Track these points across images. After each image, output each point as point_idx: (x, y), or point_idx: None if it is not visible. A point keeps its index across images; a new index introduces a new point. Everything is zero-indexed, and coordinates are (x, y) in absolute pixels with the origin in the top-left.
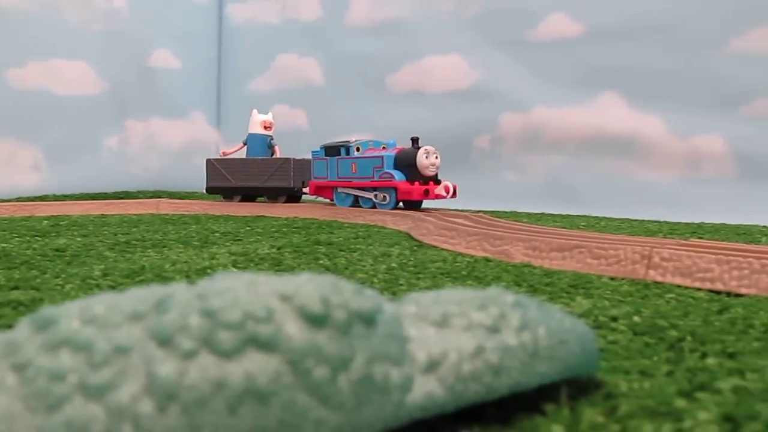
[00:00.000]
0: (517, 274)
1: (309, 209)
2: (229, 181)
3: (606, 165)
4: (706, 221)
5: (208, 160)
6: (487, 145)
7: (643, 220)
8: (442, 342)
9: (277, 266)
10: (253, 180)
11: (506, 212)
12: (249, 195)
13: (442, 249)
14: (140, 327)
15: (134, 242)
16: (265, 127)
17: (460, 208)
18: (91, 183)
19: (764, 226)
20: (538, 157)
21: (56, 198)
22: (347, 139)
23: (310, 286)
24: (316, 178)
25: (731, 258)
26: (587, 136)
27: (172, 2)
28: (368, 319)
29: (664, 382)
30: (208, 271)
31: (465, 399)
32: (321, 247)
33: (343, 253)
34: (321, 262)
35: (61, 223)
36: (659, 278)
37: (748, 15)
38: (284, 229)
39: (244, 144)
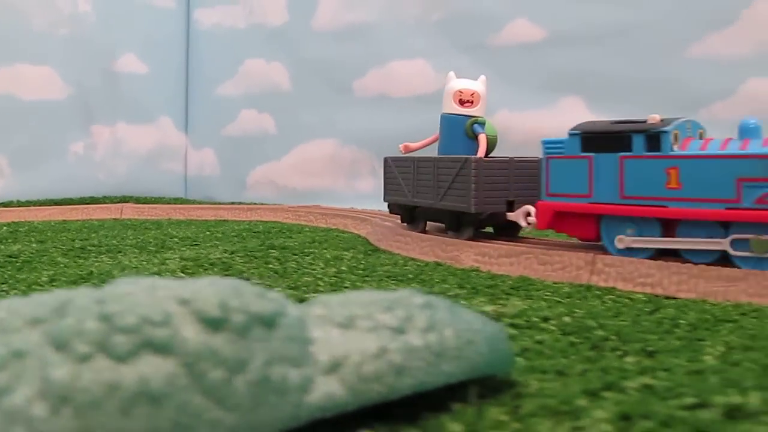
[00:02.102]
0: (463, 277)
1: (272, 212)
2: (405, 195)
3: None
4: None
5: (386, 160)
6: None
7: None
8: (345, 343)
9: (226, 271)
10: (428, 194)
11: None
12: (433, 220)
13: (396, 254)
14: (39, 331)
15: (90, 248)
16: (462, 102)
17: None
18: (57, 189)
19: None
20: None
21: (20, 204)
22: (641, 118)
23: (210, 291)
24: (555, 195)
25: (671, 263)
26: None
27: (138, 7)
28: (268, 322)
29: (575, 381)
30: (155, 277)
31: (367, 399)
32: (275, 251)
33: (295, 257)
34: (271, 266)
35: (21, 229)
36: (602, 283)
37: (706, 20)
38: (244, 234)
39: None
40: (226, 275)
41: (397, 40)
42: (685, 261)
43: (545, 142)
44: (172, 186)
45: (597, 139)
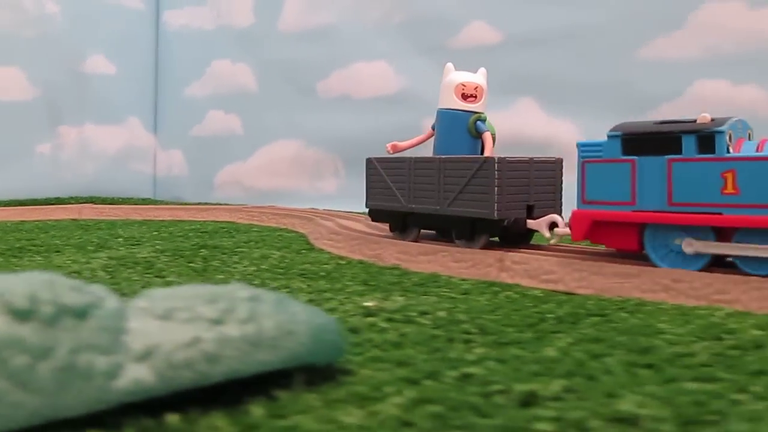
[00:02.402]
0: (375, 274)
1: (228, 212)
2: (397, 200)
3: None
4: None
5: (369, 161)
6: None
7: None
8: (160, 333)
9: (148, 270)
10: (432, 199)
11: None
12: (431, 227)
13: (327, 252)
14: None
15: (30, 248)
16: (465, 97)
17: None
18: (23, 189)
19: None
20: None
21: None
22: (689, 118)
23: (22, 284)
24: (593, 203)
25: (572, 261)
26: (505, 140)
27: (106, 8)
28: (79, 313)
29: (405, 371)
30: (73, 275)
31: (177, 385)
32: (206, 250)
33: (224, 256)
34: (193, 264)
35: None
36: (509, 280)
37: (656, 24)
38: (190, 234)
39: (434, 131)
40: (146, 274)
41: (359, 42)
42: (745, 273)
43: (581, 145)
44: (141, 186)
45: (641, 141)
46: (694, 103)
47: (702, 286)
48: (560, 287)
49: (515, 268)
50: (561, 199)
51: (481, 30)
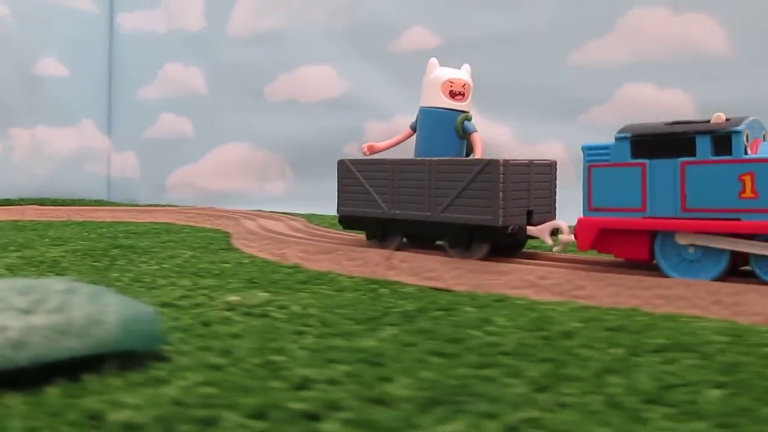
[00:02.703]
0: (267, 272)
1: (167, 214)
2: (376, 206)
3: None
4: None
5: (342, 163)
6: (356, 151)
7: None
8: None
9: (52, 268)
10: (421, 204)
11: None
12: (419, 236)
13: (240, 251)
14: None
15: None
16: (453, 95)
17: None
18: None
19: None
20: None
21: None
22: (703, 118)
23: None
24: (600, 210)
25: (449, 259)
26: None
27: (59, 11)
28: None
29: (217, 359)
30: None
31: None
32: (117, 250)
33: (134, 256)
34: (96, 264)
35: None
36: (394, 277)
37: (585, 29)
38: (119, 235)
39: (413, 131)
40: (49, 272)
41: (305, 47)
42: (761, 282)
43: (587, 148)
44: (95, 188)
45: (652, 143)
46: (623, 106)
47: (563, 283)
48: (439, 284)
49: (401, 266)
50: (555, 204)
51: (420, 35)
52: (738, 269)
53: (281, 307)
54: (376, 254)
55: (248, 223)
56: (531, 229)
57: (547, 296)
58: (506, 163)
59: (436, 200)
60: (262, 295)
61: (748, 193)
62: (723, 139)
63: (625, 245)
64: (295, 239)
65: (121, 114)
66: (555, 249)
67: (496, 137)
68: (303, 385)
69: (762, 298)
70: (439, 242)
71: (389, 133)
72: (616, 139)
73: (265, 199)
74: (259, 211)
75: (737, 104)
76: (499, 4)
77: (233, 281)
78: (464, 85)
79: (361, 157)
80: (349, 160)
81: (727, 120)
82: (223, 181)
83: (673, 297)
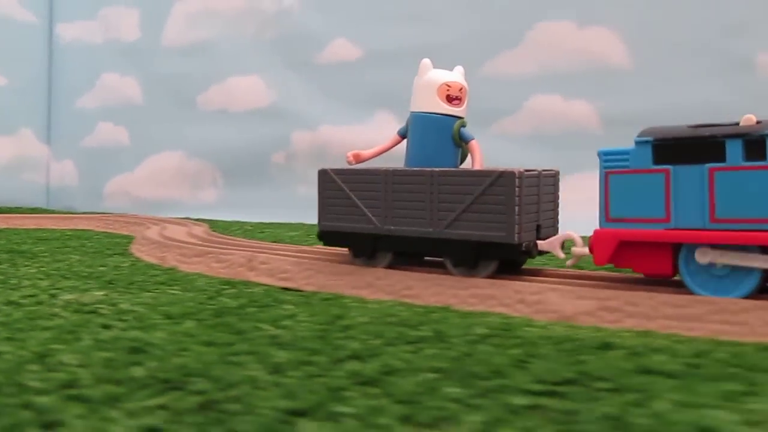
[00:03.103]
0: (131, 274)
1: (88, 221)
2: (365, 220)
3: None
4: None
5: (324, 173)
6: (283, 160)
7: None
8: None
9: None
10: (421, 219)
11: (293, 223)
12: (413, 253)
13: (130, 256)
14: None
15: None
16: (451, 99)
17: (266, 220)
18: None
19: None
20: None
21: None
22: (731, 121)
23: None
24: (619, 221)
25: (303, 261)
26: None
27: None
28: None
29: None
30: None
31: None
32: (6, 255)
33: (22, 260)
34: None
35: None
36: (254, 278)
37: (496, 42)
38: (29, 241)
39: (402, 137)
40: None
41: (235, 57)
42: None
43: (604, 153)
44: (34, 196)
45: (676, 148)
46: (531, 116)
47: (395, 283)
48: (290, 284)
49: (261, 267)
50: (558, 216)
51: (343, 47)
52: None
53: (112, 305)
54: (240, 257)
55: (151, 230)
56: (542, 244)
57: (381, 295)
58: (521, 174)
59: (439, 214)
60: (97, 294)
61: None
62: (756, 143)
63: (646, 259)
64: (178, 244)
65: (60, 123)
66: (568, 263)
67: None
68: (55, 367)
69: (560, 298)
70: (428, 258)
71: (313, 142)
72: (636, 143)
73: (198, 206)
74: (187, 218)
75: (638, 114)
76: (417, 17)
77: (93, 283)
78: (461, 89)
79: (346, 166)
80: (332, 169)
81: (758, 122)
82: (157, 190)
83: (486, 296)
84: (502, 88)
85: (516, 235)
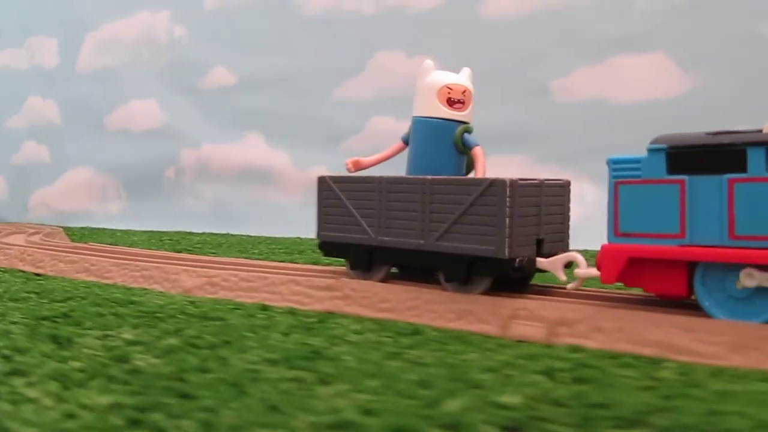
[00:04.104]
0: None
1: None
2: (361, 231)
3: (253, 191)
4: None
5: (322, 180)
6: (173, 175)
7: (276, 236)
8: None
9: None
10: (413, 231)
11: (178, 232)
12: (411, 267)
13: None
14: None
15: None
16: (452, 102)
17: (165, 229)
18: None
19: None
20: (207, 185)
21: None
22: (754, 128)
23: None
24: (629, 236)
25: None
26: (239, 168)
27: None
28: None
29: None
30: None
31: None
32: None
33: None
34: None
35: None
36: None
37: (344, 69)
38: None
39: (405, 144)
40: None
41: (135, 82)
42: None
43: (613, 161)
44: None
45: (692, 156)
46: (371, 136)
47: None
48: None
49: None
50: (569, 231)
51: (221, 74)
52: None
53: None
54: (45, 255)
55: (8, 239)
56: (541, 262)
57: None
58: (513, 183)
59: (430, 225)
60: None
61: None
62: None
63: (658, 278)
64: (17, 252)
65: None
66: (570, 286)
67: (278, 162)
68: None
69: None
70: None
71: (198, 159)
72: (649, 151)
73: (105, 217)
74: (87, 227)
75: None
76: (279, 49)
77: None
78: (464, 91)
79: (345, 173)
80: (330, 177)
81: None
82: (72, 202)
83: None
84: (348, 111)
85: (507, 249)
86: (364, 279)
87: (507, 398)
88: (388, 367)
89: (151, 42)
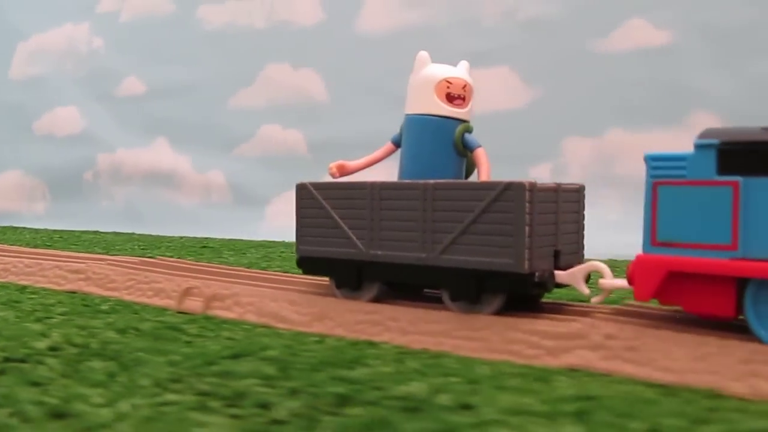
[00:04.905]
0: None
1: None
2: (348, 244)
3: (159, 193)
4: (213, 236)
5: (302, 188)
6: (91, 178)
7: (179, 236)
8: None
9: None
10: (413, 243)
11: (90, 231)
12: (407, 284)
13: None
14: None
15: None
16: (451, 98)
17: (81, 228)
18: None
19: (250, 240)
20: (120, 187)
21: None
22: None
23: None
24: (670, 245)
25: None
26: (148, 171)
27: None
28: None
29: None
30: None
31: None
32: None
33: None
34: None
35: None
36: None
37: (237, 80)
38: None
39: (396, 146)
40: None
41: (59, 90)
42: None
43: (652, 158)
44: None
45: (748, 154)
46: (262, 142)
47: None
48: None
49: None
50: (584, 240)
51: (133, 83)
52: None
53: None
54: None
55: None
56: (561, 275)
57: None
58: (533, 186)
59: (433, 237)
60: None
61: None
62: None
63: (702, 296)
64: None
65: None
66: (594, 300)
67: (180, 166)
68: None
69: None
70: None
71: (113, 163)
72: (697, 147)
73: (32, 217)
74: (11, 226)
75: (334, 140)
76: (184, 60)
77: None
78: (464, 86)
79: (329, 180)
80: (311, 183)
81: None
82: (4, 203)
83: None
84: (241, 119)
85: (526, 262)
86: (352, 298)
87: None
88: None
89: (73, 52)
